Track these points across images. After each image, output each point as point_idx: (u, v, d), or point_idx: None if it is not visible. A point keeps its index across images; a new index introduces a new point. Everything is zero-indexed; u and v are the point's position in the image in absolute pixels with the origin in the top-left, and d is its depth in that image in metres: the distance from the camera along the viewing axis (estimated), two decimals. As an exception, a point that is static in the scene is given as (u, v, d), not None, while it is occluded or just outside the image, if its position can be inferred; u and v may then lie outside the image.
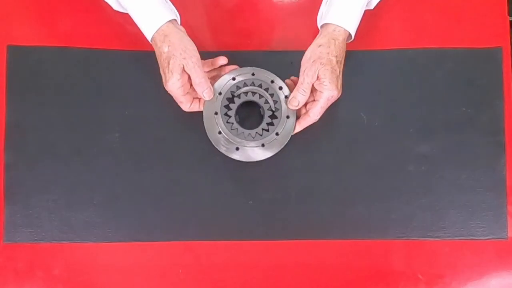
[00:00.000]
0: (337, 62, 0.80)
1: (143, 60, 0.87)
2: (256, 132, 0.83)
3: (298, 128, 0.84)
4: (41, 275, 0.85)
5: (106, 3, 0.85)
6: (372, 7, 0.86)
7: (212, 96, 0.82)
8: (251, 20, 0.91)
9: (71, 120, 0.87)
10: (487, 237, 0.86)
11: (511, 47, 0.89)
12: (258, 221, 0.86)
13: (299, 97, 0.81)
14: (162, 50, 0.79)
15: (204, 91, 0.80)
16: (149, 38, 0.80)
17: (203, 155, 0.87)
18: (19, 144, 0.87)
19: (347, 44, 0.83)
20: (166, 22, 0.79)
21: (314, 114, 0.82)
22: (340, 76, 0.81)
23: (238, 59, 0.86)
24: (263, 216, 0.86)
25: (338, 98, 0.82)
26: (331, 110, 0.87)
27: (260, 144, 0.83)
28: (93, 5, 0.89)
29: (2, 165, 0.86)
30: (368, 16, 0.84)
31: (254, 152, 0.83)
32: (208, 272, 0.86)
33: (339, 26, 0.80)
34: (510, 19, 0.93)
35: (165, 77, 0.79)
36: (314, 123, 0.83)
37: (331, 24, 0.81)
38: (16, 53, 0.88)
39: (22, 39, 0.88)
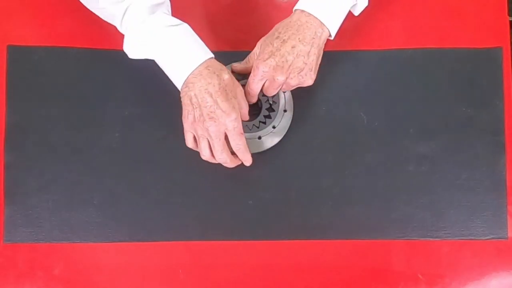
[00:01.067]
0: (277, 38, 0.77)
1: (143, 60, 0.87)
2: (253, 124, 0.84)
3: (248, 101, 0.81)
4: (41, 275, 0.85)
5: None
6: (356, 13, 0.83)
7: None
8: (252, 20, 0.91)
9: (71, 120, 0.87)
10: (487, 237, 0.86)
11: (511, 47, 0.89)
12: (258, 221, 0.86)
13: (242, 62, 0.83)
14: (223, 77, 0.76)
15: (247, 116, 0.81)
16: (195, 66, 0.76)
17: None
18: (19, 144, 0.87)
19: (333, 42, 0.82)
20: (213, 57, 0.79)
21: (247, 83, 0.80)
22: (281, 57, 0.76)
23: (238, 59, 0.86)
24: (263, 216, 0.86)
25: (285, 83, 0.78)
26: (331, 110, 0.87)
27: (257, 137, 0.84)
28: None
29: (2, 165, 0.86)
30: (368, 16, 0.84)
31: (250, 144, 0.84)
32: (208, 272, 0.86)
33: (298, 11, 0.78)
34: (510, 19, 0.93)
35: (228, 105, 0.75)
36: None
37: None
38: (16, 53, 0.88)
39: (22, 39, 0.88)
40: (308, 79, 0.79)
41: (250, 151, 0.83)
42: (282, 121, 0.84)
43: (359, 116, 0.88)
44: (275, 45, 0.77)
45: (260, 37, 0.81)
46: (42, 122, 0.87)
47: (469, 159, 0.87)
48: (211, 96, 0.75)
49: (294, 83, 0.79)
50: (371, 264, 0.86)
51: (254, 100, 0.82)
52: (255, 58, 0.80)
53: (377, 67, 0.89)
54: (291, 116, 0.85)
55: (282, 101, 0.84)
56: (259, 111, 0.85)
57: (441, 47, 0.89)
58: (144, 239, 0.86)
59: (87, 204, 0.86)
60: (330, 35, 0.80)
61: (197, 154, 0.85)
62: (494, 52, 0.89)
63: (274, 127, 0.84)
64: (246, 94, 0.81)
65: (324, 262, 0.86)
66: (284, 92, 0.84)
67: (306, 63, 0.78)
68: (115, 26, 0.82)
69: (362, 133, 0.88)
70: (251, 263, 0.86)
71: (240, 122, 0.77)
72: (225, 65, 0.85)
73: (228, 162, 0.80)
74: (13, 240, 0.86)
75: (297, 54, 0.77)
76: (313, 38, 0.77)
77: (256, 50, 0.81)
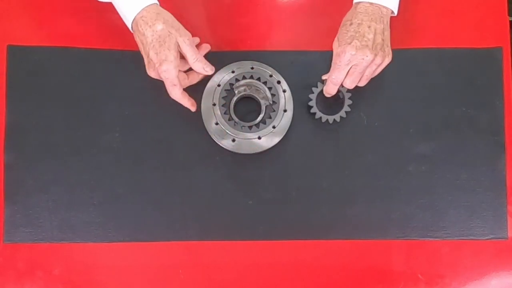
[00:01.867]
0: (351, 24, 0.79)
1: (143, 60, 0.87)
2: (254, 125, 0.84)
3: (327, 92, 0.83)
4: (41, 275, 0.85)
5: (106, 3, 0.85)
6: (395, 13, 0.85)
7: (213, 69, 0.81)
8: (251, 19, 0.91)
9: (71, 120, 0.87)
10: (487, 237, 0.86)
11: (511, 47, 0.89)
12: (258, 221, 0.86)
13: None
14: (155, 28, 0.77)
15: (205, 66, 0.80)
16: (132, 17, 0.78)
17: (203, 155, 0.87)
18: (19, 144, 0.87)
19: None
20: (154, 3, 0.78)
21: (330, 72, 0.81)
22: (362, 36, 0.78)
23: (238, 58, 0.86)
24: (263, 216, 0.86)
25: (373, 62, 0.79)
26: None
27: (257, 137, 0.84)
28: (93, 5, 0.89)
29: (2, 165, 0.86)
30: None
31: (250, 144, 0.84)
32: (208, 272, 0.86)
33: (360, 3, 0.80)
34: (510, 19, 0.93)
35: (158, 58, 0.77)
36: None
37: None
38: (16, 53, 0.88)
39: (22, 39, 0.88)
40: (388, 55, 0.81)
41: (249, 150, 0.83)
42: (282, 121, 0.84)
43: (359, 116, 0.88)
44: (351, 30, 0.79)
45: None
46: (42, 122, 0.87)
47: (469, 159, 0.87)
48: (145, 47, 0.78)
49: (379, 60, 0.80)
50: (371, 264, 0.86)
51: (334, 91, 0.83)
52: (337, 47, 0.80)
53: (377, 67, 0.89)
54: (291, 116, 0.85)
55: (282, 101, 0.84)
56: (259, 111, 0.85)
57: (441, 47, 0.89)
58: (144, 239, 0.86)
59: (87, 204, 0.86)
60: (393, 12, 0.82)
61: (196, 154, 0.85)
62: (494, 52, 0.89)
63: (274, 127, 0.84)
64: (327, 86, 0.82)
65: (324, 262, 0.86)
66: (284, 91, 0.84)
67: (383, 39, 0.80)
68: (114, 27, 0.82)
69: (362, 133, 0.88)
70: (251, 263, 0.86)
71: (172, 73, 0.77)
72: (225, 66, 0.86)
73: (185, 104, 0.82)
74: (13, 240, 0.86)
75: (374, 31, 0.79)
76: (382, 17, 0.80)
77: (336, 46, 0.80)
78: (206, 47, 0.87)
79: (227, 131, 0.83)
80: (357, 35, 0.78)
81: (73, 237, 0.86)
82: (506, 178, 0.87)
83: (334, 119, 0.86)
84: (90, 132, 0.87)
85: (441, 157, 0.87)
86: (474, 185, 0.87)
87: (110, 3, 0.83)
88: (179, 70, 0.81)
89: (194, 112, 0.83)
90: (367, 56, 0.78)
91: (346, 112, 0.86)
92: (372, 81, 0.89)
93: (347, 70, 0.80)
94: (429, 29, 0.90)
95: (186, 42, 0.78)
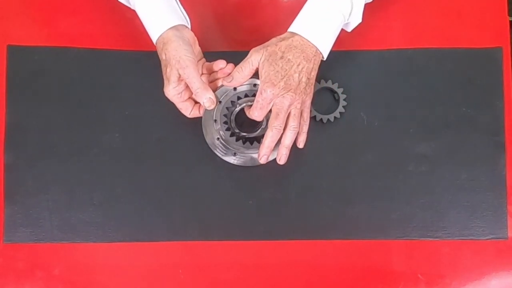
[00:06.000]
0: (282, 58, 0.77)
1: (143, 60, 0.87)
2: (254, 140, 0.83)
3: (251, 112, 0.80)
4: (41, 275, 0.85)
5: (106, 3, 0.85)
6: (349, 30, 0.85)
7: (213, 105, 0.79)
8: (256, 20, 0.91)
9: (71, 120, 0.87)
10: (487, 237, 0.86)
11: (511, 47, 0.89)
12: (258, 221, 0.86)
13: (234, 73, 0.79)
14: (161, 58, 0.79)
15: (204, 100, 0.78)
16: (154, 41, 0.80)
17: (203, 155, 0.87)
18: (19, 144, 0.87)
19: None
20: (167, 30, 0.78)
21: (252, 109, 0.79)
22: (289, 77, 0.76)
23: (241, 59, 0.86)
24: (263, 216, 0.86)
25: (294, 103, 0.77)
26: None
27: (257, 151, 0.83)
28: (93, 5, 0.89)
29: (2, 165, 0.86)
30: (368, 16, 0.84)
31: (251, 157, 0.83)
32: (208, 272, 0.86)
33: (297, 34, 0.78)
34: (510, 19, 0.93)
35: (164, 83, 0.79)
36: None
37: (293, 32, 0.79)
38: (16, 53, 0.88)
39: (22, 39, 0.88)
40: (309, 94, 0.80)
41: (250, 164, 0.84)
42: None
43: (359, 116, 0.88)
44: (280, 65, 0.77)
45: (267, 39, 0.79)
46: (42, 122, 0.87)
47: (469, 159, 0.87)
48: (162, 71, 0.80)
49: (298, 101, 0.78)
50: (371, 264, 0.86)
51: (260, 118, 0.80)
52: (248, 64, 0.79)
53: (377, 67, 0.89)
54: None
55: None
56: (258, 128, 0.84)
57: (441, 47, 0.89)
58: (144, 239, 0.86)
59: (87, 204, 0.86)
60: (323, 57, 0.80)
61: (196, 154, 0.84)
62: (494, 52, 0.89)
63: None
64: (252, 114, 0.79)
65: (324, 262, 0.86)
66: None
67: (309, 79, 0.78)
68: (115, 27, 0.82)
69: (362, 133, 0.88)
70: (251, 263, 0.86)
71: (174, 98, 0.79)
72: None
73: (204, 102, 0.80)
74: (13, 240, 0.86)
75: (301, 70, 0.77)
76: (314, 56, 0.79)
77: (252, 59, 0.78)
78: (229, 68, 0.82)
79: (229, 146, 0.83)
80: (285, 75, 0.76)
81: (73, 237, 0.86)
82: (506, 178, 0.87)
83: (328, 119, 0.87)
84: (90, 132, 0.87)
85: (441, 157, 0.87)
86: (474, 185, 0.87)
87: (112, 3, 0.83)
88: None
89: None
90: (289, 99, 0.77)
91: (340, 112, 0.87)
92: (372, 81, 0.89)
93: (269, 108, 0.78)
94: (429, 29, 0.90)
95: (185, 76, 0.77)
